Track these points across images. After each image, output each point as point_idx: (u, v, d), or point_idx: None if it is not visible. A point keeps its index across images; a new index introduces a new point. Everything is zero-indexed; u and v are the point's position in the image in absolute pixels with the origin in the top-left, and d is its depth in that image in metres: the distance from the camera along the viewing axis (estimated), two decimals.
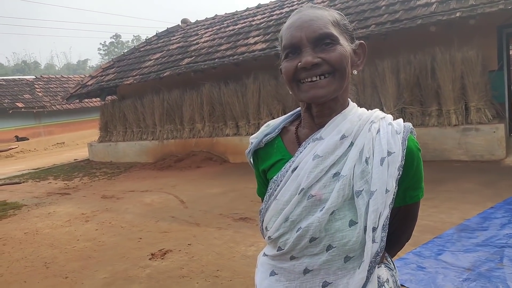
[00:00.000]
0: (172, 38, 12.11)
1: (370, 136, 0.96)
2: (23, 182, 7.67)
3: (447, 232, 3.51)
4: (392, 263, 1.08)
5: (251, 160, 1.16)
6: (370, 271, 0.92)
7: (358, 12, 7.52)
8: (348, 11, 7.75)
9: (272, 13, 10.17)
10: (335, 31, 0.95)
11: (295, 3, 10.21)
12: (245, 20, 10.64)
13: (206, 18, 12.99)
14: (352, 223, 0.92)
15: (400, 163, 0.93)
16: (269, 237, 1.02)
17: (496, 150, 5.92)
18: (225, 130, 9.05)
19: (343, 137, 0.96)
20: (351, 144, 0.96)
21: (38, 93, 20.85)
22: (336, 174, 0.94)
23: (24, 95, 20.16)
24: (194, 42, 10.70)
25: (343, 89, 0.97)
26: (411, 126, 1.00)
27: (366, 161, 0.93)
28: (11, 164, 13.91)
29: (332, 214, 0.92)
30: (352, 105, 1.03)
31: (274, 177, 1.02)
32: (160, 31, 13.44)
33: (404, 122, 1.00)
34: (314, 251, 0.94)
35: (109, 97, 12.70)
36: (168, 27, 13.46)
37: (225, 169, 8.22)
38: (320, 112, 1.00)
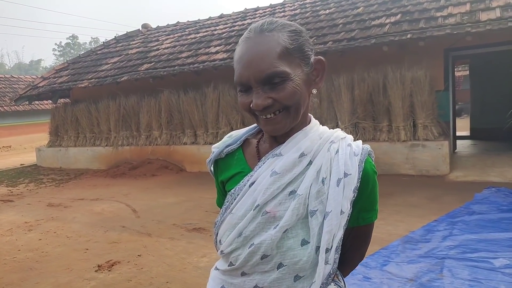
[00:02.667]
0: (131, 43, 11.87)
1: (329, 156, 0.96)
2: None
3: (392, 244, 3.65)
4: (342, 281, 1.09)
5: (211, 169, 1.16)
6: None
7: (317, 28, 7.76)
8: (308, 27, 7.97)
9: (234, 23, 10.26)
10: (284, 65, 0.90)
11: (257, 15, 10.39)
12: (207, 29, 10.66)
13: (168, 24, 12.87)
14: (304, 242, 0.92)
15: (355, 185, 0.94)
16: (221, 251, 1.01)
17: (440, 165, 6.27)
18: (182, 139, 8.93)
19: (302, 155, 0.96)
20: (310, 162, 0.96)
21: None
22: (292, 192, 0.94)
23: None
24: (155, 48, 10.55)
25: (299, 118, 0.96)
26: (369, 149, 1.01)
27: (323, 181, 0.93)
28: None
29: (285, 232, 0.92)
30: (314, 122, 1.03)
31: (231, 190, 1.02)
32: (119, 34, 13.14)
33: (359, 140, 1.03)
34: (265, 268, 0.94)
35: (61, 100, 12.18)
36: (128, 31, 13.19)
37: (182, 178, 8.09)
38: (280, 137, 1.01)
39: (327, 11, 8.62)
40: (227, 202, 1.02)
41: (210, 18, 11.90)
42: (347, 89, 6.95)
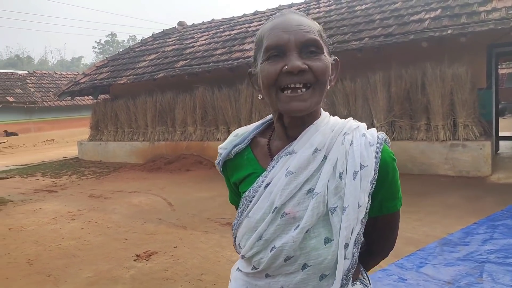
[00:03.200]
0: (167, 40, 12.14)
1: (344, 149, 0.93)
2: (10, 177, 7.59)
3: (429, 246, 3.57)
4: (367, 279, 1.08)
5: (221, 170, 1.11)
6: None
7: (353, 24, 7.64)
8: (343, 23, 7.86)
9: (268, 20, 10.25)
10: (321, 41, 0.92)
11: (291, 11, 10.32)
12: (242, 26, 10.73)
13: (203, 21, 13.06)
14: (327, 240, 0.89)
15: (372, 177, 0.90)
16: (242, 255, 0.99)
17: (482, 166, 6.03)
18: (216, 135, 9.07)
19: (315, 150, 0.92)
20: (324, 157, 0.92)
21: (30, 88, 20.68)
22: (310, 191, 0.91)
23: (15, 90, 19.98)
24: (190, 45, 10.74)
25: (321, 102, 0.94)
26: (385, 137, 0.98)
27: (340, 176, 0.90)
28: None
29: (306, 232, 0.89)
30: (324, 115, 1.00)
31: (246, 192, 0.98)
32: (156, 32, 13.47)
33: (377, 130, 0.99)
34: (290, 270, 0.91)
35: (101, 96, 12.65)
36: (165, 28, 13.49)
37: (215, 174, 8.22)
38: (292, 123, 0.96)
39: (363, 7, 8.47)
40: (242, 205, 0.99)
41: (244, 15, 11.97)
42: (383, 86, 6.82)
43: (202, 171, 8.41)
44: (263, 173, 0.97)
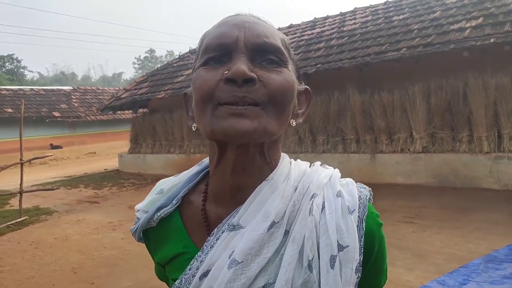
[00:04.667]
0: None
1: (312, 222, 0.63)
2: (56, 189, 8.00)
3: (473, 262, 3.41)
4: None
5: (139, 240, 0.81)
6: None
7: (390, 35, 7.53)
8: (380, 34, 7.77)
9: (303, 33, 10.32)
10: (285, 51, 0.66)
11: (327, 24, 10.34)
12: None
13: None
14: None
15: (358, 261, 0.63)
16: None
17: None
18: None
19: (272, 225, 0.63)
20: (286, 234, 0.63)
21: (74, 103, 21.78)
22: (267, 286, 0.62)
23: (61, 105, 21.11)
24: None
25: (277, 134, 0.64)
26: (369, 193, 0.71)
27: (310, 265, 0.61)
28: (44, 171, 14.48)
29: None
30: (285, 162, 0.71)
31: (176, 282, 0.68)
32: (193, 47, 13.86)
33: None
34: None
35: (140, 110, 13.12)
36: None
37: None
38: (238, 164, 0.66)
39: (401, 17, 8.34)
40: None
41: (279, 29, 12.05)
42: (423, 97, 6.65)
43: None
44: (198, 254, 0.67)
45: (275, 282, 0.61)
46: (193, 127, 0.70)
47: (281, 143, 0.71)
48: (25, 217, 6.68)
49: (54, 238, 5.45)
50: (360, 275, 0.63)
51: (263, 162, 0.67)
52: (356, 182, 0.72)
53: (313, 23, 10.89)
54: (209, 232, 0.68)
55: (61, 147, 19.15)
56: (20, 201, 6.84)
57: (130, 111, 15.00)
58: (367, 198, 0.69)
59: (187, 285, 0.66)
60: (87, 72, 69.14)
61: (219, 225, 0.67)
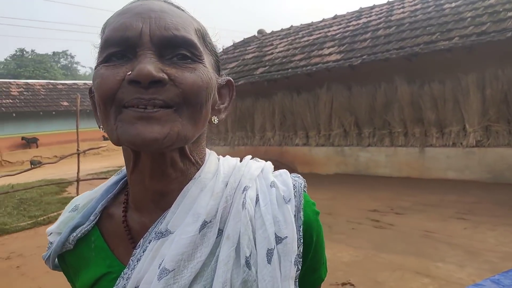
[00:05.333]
0: (248, 48, 12.54)
1: (247, 216, 0.59)
2: (109, 177, 8.49)
3: None
4: None
5: (55, 267, 0.71)
6: None
7: (441, 24, 7.20)
8: (430, 23, 7.46)
9: (348, 23, 10.11)
10: (198, 43, 0.58)
11: (373, 13, 10.05)
12: (320, 31, 10.69)
13: (282, 28, 13.25)
14: None
15: (296, 252, 0.59)
16: None
17: None
18: (294, 140, 9.14)
19: (204, 225, 0.57)
20: (219, 233, 0.58)
21: None
22: None
23: None
24: (269, 52, 10.98)
25: (194, 137, 0.58)
26: (301, 180, 0.67)
27: (247, 262, 0.57)
28: (97, 161, 15.32)
29: None
30: (212, 160, 0.66)
31: None
32: (236, 41, 13.99)
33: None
34: None
35: None
36: (245, 37, 13.96)
37: None
38: (155, 172, 0.59)
39: (453, 4, 7.93)
40: None
41: (323, 20, 11.91)
42: (477, 89, 6.33)
43: None
44: (123, 273, 0.60)
45: (212, 286, 0.55)
46: (100, 128, 0.60)
47: (205, 141, 0.66)
48: None
49: None
50: (300, 268, 0.59)
51: (187, 164, 0.61)
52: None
53: (359, 13, 10.63)
54: (134, 245, 0.61)
55: None
56: (77, 188, 7.31)
57: None
58: (302, 186, 0.65)
59: None
60: None
61: (145, 235, 0.60)
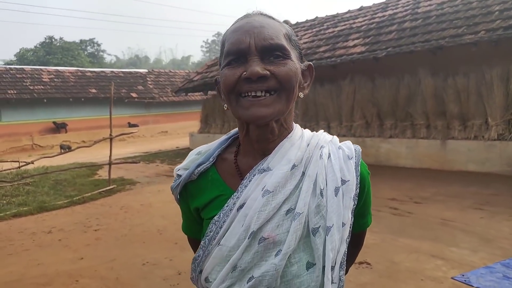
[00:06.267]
0: None
1: (322, 163, 0.86)
2: (138, 162, 8.87)
3: None
4: None
5: (178, 196, 0.98)
6: None
7: (468, 17, 7.21)
8: (457, 16, 7.46)
9: (374, 15, 10.12)
10: (287, 45, 0.84)
11: (399, 5, 10.03)
12: (346, 22, 10.73)
13: (307, 19, 13.31)
14: (310, 265, 0.80)
15: (355, 192, 0.85)
16: None
17: None
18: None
19: (293, 166, 0.84)
20: (303, 174, 0.85)
21: (149, 85, 23.27)
22: (290, 211, 0.82)
23: (137, 87, 22.67)
24: None
25: (288, 111, 0.86)
26: (359, 148, 0.93)
27: (321, 193, 0.83)
28: (124, 147, 15.86)
29: (287, 259, 0.80)
30: (298, 128, 0.93)
31: (215, 217, 0.86)
32: None
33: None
34: None
35: (211, 92, 13.77)
36: None
37: None
38: (261, 136, 0.87)
39: None
40: (210, 232, 0.86)
41: (349, 11, 11.92)
42: (501, 82, 6.36)
43: None
44: (234, 194, 0.86)
45: (296, 207, 0.82)
46: (225, 107, 0.88)
47: (293, 113, 0.92)
48: (114, 185, 7.55)
49: (140, 204, 6.16)
50: (356, 204, 0.85)
51: (281, 130, 0.88)
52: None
53: (385, 5, 10.61)
54: (241, 178, 0.88)
55: (137, 126, 20.67)
56: (109, 171, 7.73)
57: (201, 93, 15.79)
58: (359, 151, 0.91)
59: (225, 218, 0.84)
60: (158, 55, 72.65)
61: (250, 171, 0.87)
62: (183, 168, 0.96)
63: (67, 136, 18.72)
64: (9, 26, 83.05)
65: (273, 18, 0.89)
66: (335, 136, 0.96)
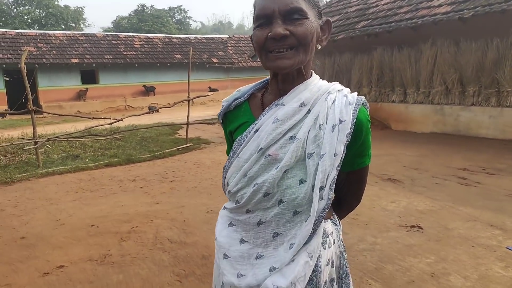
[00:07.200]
0: (352, 1, 12.18)
1: (326, 105, 1.04)
2: (213, 124, 9.43)
3: None
4: (337, 220, 1.20)
5: (221, 121, 1.24)
6: (316, 225, 1.01)
7: None
8: None
9: None
10: (304, 6, 1.00)
11: None
12: None
13: None
14: (302, 181, 1.01)
15: (349, 131, 1.01)
16: (229, 191, 1.12)
17: None
18: (391, 96, 8.97)
19: (302, 105, 1.04)
20: (308, 111, 1.05)
21: (229, 50, 23.88)
22: (292, 137, 1.03)
23: (218, 52, 23.40)
24: (373, 4, 10.57)
25: (306, 61, 1.04)
26: (364, 99, 1.08)
27: (320, 127, 1.02)
28: (204, 110, 16.78)
29: (285, 173, 1.02)
30: (315, 77, 1.11)
31: (238, 137, 1.10)
32: None
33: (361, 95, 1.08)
34: (267, 205, 1.04)
35: None
36: None
37: (385, 135, 8.29)
38: (284, 79, 1.08)
39: None
40: (234, 148, 1.10)
41: None
42: None
43: (373, 131, 8.35)
44: (254, 123, 1.09)
45: (297, 135, 1.03)
46: (257, 60, 1.25)
47: (311, 63, 1.10)
48: (190, 144, 8.20)
49: (211, 161, 6.67)
50: (348, 140, 1.01)
51: (300, 76, 1.08)
52: None
53: None
54: (263, 109, 1.11)
55: (217, 90, 21.55)
56: (186, 131, 8.38)
57: None
58: (362, 100, 1.07)
59: (245, 138, 1.08)
60: (241, 21, 73.24)
61: (270, 105, 1.09)
62: (226, 100, 1.21)
63: (155, 99, 20.26)
64: None
65: None
66: (346, 88, 1.12)
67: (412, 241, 3.25)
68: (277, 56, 0.99)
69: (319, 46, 1.07)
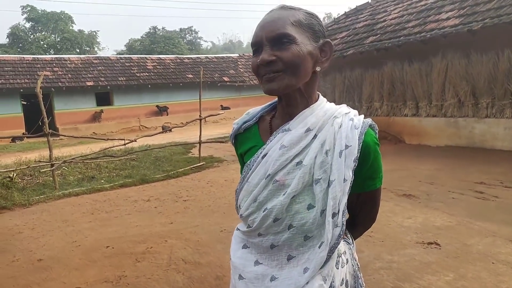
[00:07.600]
0: (359, 16, 12.27)
1: (332, 130, 1.05)
2: (226, 142, 9.49)
3: None
4: (351, 239, 1.20)
5: (233, 142, 1.28)
6: (331, 251, 1.03)
7: None
8: None
9: None
10: (293, 31, 1.01)
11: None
12: None
13: None
14: (310, 206, 1.03)
15: (355, 156, 1.02)
16: (241, 215, 1.14)
17: None
18: (403, 110, 8.93)
19: (308, 130, 1.05)
20: (315, 136, 1.05)
21: (240, 69, 24.17)
22: (299, 163, 1.04)
23: (229, 71, 23.71)
24: (381, 19, 10.64)
25: (298, 84, 1.04)
26: (371, 122, 1.08)
27: (326, 153, 1.03)
28: (216, 128, 16.92)
29: (293, 198, 1.03)
30: (321, 100, 1.12)
31: (247, 162, 1.12)
32: (349, 9, 13.71)
33: (362, 115, 1.10)
34: (278, 229, 1.06)
35: None
36: (357, 5, 13.62)
37: (399, 149, 8.21)
38: (287, 102, 1.10)
39: None
40: (244, 172, 1.13)
41: None
42: None
43: (387, 146, 8.48)
44: (262, 147, 1.10)
45: (304, 161, 1.04)
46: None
47: (316, 87, 1.12)
48: (203, 162, 8.25)
49: (224, 180, 6.69)
50: (356, 165, 1.02)
51: (303, 99, 1.09)
52: None
53: None
54: (271, 134, 1.12)
55: (229, 108, 21.72)
56: (199, 149, 8.45)
57: None
58: (368, 123, 1.07)
59: (254, 163, 1.10)
60: (251, 39, 74.08)
61: (277, 130, 1.10)
62: (236, 123, 1.24)
63: (169, 119, 20.52)
64: (121, 19, 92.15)
65: (292, 8, 1.08)
66: (353, 110, 1.13)
67: (430, 258, 3.19)
68: (266, 79, 1.03)
69: (318, 68, 1.07)
